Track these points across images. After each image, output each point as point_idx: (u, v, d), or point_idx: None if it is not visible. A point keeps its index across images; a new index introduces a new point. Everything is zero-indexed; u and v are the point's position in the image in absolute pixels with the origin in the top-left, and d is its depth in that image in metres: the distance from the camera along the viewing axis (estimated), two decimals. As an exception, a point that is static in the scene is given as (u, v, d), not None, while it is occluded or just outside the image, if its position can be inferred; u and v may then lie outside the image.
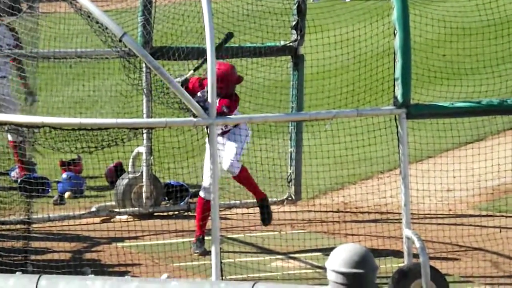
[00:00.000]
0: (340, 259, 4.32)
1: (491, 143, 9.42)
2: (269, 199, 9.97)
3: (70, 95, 10.79)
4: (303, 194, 10.09)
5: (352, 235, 9.24)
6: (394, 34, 7.79)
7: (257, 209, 10.03)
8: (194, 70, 8.64)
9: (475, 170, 9.09)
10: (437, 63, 9.27)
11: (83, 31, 9.07)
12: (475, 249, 8.82)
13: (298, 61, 9.84)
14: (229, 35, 8.63)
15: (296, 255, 8.95)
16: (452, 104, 8.01)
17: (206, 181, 8.69)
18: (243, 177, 8.98)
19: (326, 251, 8.39)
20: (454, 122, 9.00)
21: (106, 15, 7.53)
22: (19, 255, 8.28)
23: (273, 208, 9.98)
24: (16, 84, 9.22)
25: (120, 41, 7.55)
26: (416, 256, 7.58)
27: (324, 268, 4.34)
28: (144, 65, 8.86)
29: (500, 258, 8.74)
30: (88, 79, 11.08)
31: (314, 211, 9.95)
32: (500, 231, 9.12)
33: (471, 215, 9.75)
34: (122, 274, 8.30)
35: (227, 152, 8.85)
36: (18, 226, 8.66)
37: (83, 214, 9.82)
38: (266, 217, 9.05)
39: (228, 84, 8.75)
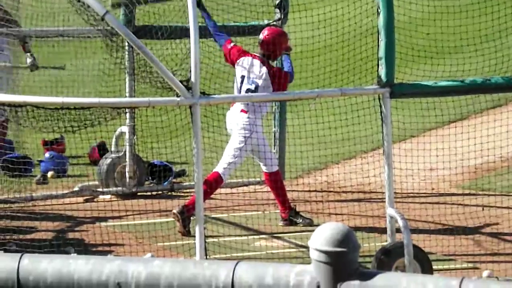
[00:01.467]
0: (323, 237, 4.32)
1: (474, 122, 9.45)
2: (253, 179, 9.98)
3: (52, 74, 10.72)
4: (286, 173, 10.09)
5: (336, 214, 9.25)
6: (378, 13, 7.76)
7: (241, 189, 10.03)
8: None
9: (458, 149, 9.12)
10: (421, 41, 9.26)
11: (65, 9, 8.99)
12: (458, 227, 8.86)
13: (281, 40, 9.80)
14: None
15: (280, 235, 8.96)
16: (436, 83, 8.02)
17: (230, 160, 8.64)
18: (279, 177, 8.93)
19: (310, 230, 8.41)
20: (437, 101, 9.01)
21: (88, -6, 7.46)
22: (1, 234, 8.25)
23: (257, 188, 9.98)
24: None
25: (103, 19, 7.49)
26: (399, 233, 7.61)
27: (307, 247, 4.34)
28: (126, 44, 8.81)
29: (482, 236, 8.79)
30: (70, 58, 11.00)
31: (298, 191, 9.96)
32: (483, 209, 9.16)
33: (454, 194, 9.79)
34: (105, 253, 8.28)
35: (261, 144, 8.82)
36: (0, 206, 8.62)
37: (66, 193, 9.79)
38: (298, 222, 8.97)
39: (276, 47, 8.74)
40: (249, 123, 8.82)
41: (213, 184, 8.79)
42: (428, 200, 9.65)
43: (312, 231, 4.48)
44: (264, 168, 9.05)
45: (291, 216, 9.05)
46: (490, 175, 10.03)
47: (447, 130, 9.57)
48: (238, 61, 8.89)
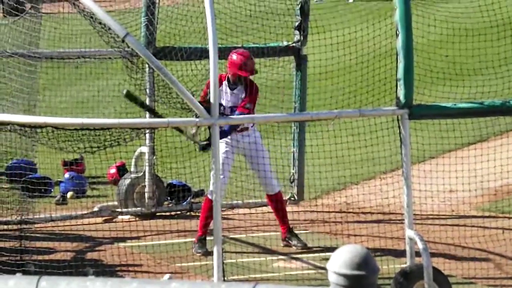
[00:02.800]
0: (341, 260, 4.31)
1: (493, 144, 9.40)
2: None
3: (73, 95, 10.80)
4: (305, 194, 10.08)
5: (355, 235, 9.22)
6: (397, 35, 7.77)
7: (259, 209, 10.02)
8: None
9: (477, 171, 9.07)
10: (439, 63, 9.25)
11: (86, 31, 9.07)
12: (478, 250, 8.80)
13: (301, 62, 9.84)
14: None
15: (298, 256, 8.94)
16: (455, 105, 8.00)
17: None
18: (280, 198, 8.92)
19: (329, 252, 8.39)
20: (456, 123, 8.98)
21: (109, 16, 7.52)
22: (20, 255, 8.29)
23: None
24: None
25: (123, 41, 7.55)
26: (418, 256, 7.57)
27: (326, 269, 4.33)
28: (147, 65, 8.86)
29: (503, 260, 8.71)
30: (91, 79, 11.09)
31: (317, 211, 9.94)
32: (503, 232, 9.09)
33: (474, 216, 9.73)
34: (124, 274, 8.29)
35: (261, 168, 8.78)
36: (19, 226, 8.66)
37: (85, 214, 9.82)
38: (299, 243, 8.94)
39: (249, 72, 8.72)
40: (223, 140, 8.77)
41: (209, 211, 8.74)
42: (448, 222, 9.60)
43: (332, 251, 4.47)
44: (264, 189, 8.98)
45: (287, 237, 9.01)
46: (511, 198, 9.96)
47: (467, 152, 9.53)
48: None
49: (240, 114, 8.60)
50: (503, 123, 9.28)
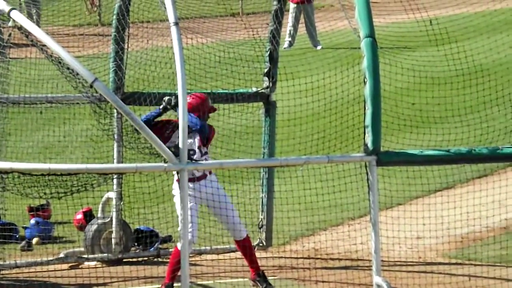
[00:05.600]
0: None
1: (460, 191, 9.47)
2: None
3: (40, 140, 10.73)
4: (274, 240, 10.05)
5: (323, 281, 9.20)
6: (365, 82, 7.84)
7: (227, 255, 9.97)
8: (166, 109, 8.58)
9: (444, 218, 9.13)
10: (406, 111, 9.35)
11: (54, 76, 9.06)
12: (445, 297, 8.81)
13: (270, 108, 9.90)
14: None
15: (266, 302, 8.87)
16: (422, 152, 8.06)
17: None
18: (248, 242, 8.89)
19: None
20: (423, 170, 9.05)
21: (77, 61, 7.52)
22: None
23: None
24: None
25: (91, 86, 7.54)
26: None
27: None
28: (115, 110, 8.85)
29: (469, 306, 8.73)
30: (58, 125, 11.04)
31: (285, 257, 9.91)
32: (469, 279, 9.12)
33: (440, 263, 9.76)
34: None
35: (226, 214, 8.73)
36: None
37: (51, 260, 9.69)
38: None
39: (204, 112, 8.72)
40: (174, 189, 8.72)
41: (178, 260, 8.65)
42: (415, 269, 9.61)
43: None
44: (232, 235, 8.93)
45: (256, 279, 8.94)
46: (477, 245, 10.01)
47: (434, 199, 9.59)
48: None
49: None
50: (469, 170, 9.37)
